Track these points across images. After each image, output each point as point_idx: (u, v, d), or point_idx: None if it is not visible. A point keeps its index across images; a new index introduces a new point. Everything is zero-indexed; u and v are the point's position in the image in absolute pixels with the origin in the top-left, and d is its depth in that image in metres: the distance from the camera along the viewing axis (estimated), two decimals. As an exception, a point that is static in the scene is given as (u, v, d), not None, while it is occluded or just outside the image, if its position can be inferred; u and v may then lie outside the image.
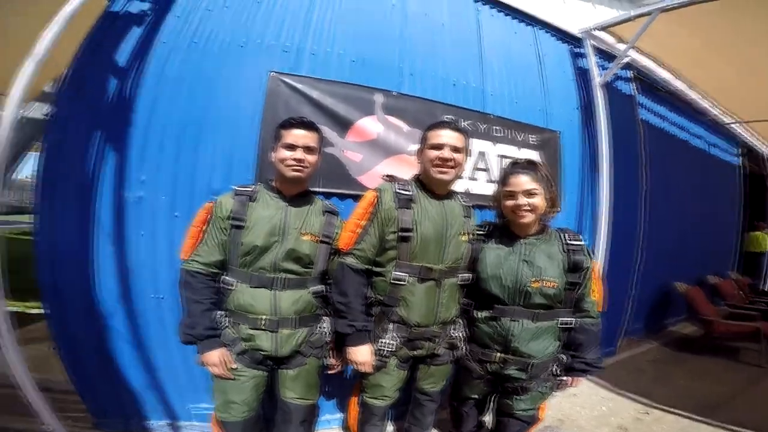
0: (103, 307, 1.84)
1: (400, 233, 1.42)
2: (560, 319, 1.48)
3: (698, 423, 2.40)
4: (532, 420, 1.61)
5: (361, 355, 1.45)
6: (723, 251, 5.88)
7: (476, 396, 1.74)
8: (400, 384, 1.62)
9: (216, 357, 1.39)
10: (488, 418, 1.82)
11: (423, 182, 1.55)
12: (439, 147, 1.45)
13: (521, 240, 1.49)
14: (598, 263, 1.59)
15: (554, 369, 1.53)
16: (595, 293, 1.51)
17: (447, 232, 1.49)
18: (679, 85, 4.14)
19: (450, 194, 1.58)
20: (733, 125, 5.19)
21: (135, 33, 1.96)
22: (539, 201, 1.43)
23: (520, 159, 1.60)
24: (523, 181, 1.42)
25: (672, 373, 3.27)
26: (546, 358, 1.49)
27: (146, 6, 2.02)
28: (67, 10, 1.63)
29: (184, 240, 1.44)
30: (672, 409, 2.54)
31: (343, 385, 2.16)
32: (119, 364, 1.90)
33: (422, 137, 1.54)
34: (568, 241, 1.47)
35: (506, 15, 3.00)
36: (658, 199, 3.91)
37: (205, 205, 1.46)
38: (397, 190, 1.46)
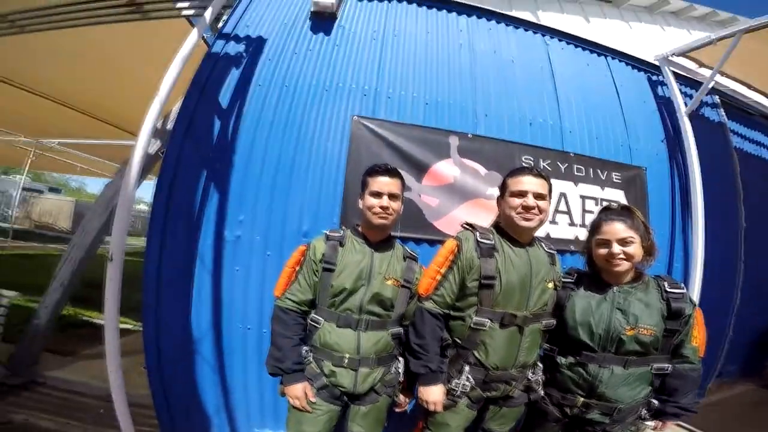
0: (194, 332, 2.00)
1: (482, 281, 1.42)
2: (655, 365, 1.40)
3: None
4: None
5: (433, 394, 1.44)
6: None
7: None
8: (466, 424, 1.57)
9: (299, 390, 1.45)
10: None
11: (504, 229, 1.53)
12: (521, 194, 1.43)
13: (614, 288, 1.43)
14: (700, 310, 1.47)
15: (642, 413, 1.44)
16: (697, 339, 1.44)
17: (532, 279, 1.46)
18: (774, 106, 3.72)
19: (533, 241, 1.55)
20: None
21: (234, 75, 2.19)
22: (635, 250, 1.36)
23: (614, 204, 1.54)
24: (618, 229, 1.37)
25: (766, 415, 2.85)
26: (635, 404, 1.40)
27: (242, 48, 2.26)
28: (182, 54, 1.87)
29: (278, 278, 1.55)
30: None
31: (402, 422, 2.12)
32: (198, 385, 2.03)
33: (502, 184, 1.53)
34: (668, 290, 1.40)
35: (576, 47, 2.95)
36: (759, 232, 3.46)
37: (299, 247, 1.57)
38: (479, 239, 1.46)
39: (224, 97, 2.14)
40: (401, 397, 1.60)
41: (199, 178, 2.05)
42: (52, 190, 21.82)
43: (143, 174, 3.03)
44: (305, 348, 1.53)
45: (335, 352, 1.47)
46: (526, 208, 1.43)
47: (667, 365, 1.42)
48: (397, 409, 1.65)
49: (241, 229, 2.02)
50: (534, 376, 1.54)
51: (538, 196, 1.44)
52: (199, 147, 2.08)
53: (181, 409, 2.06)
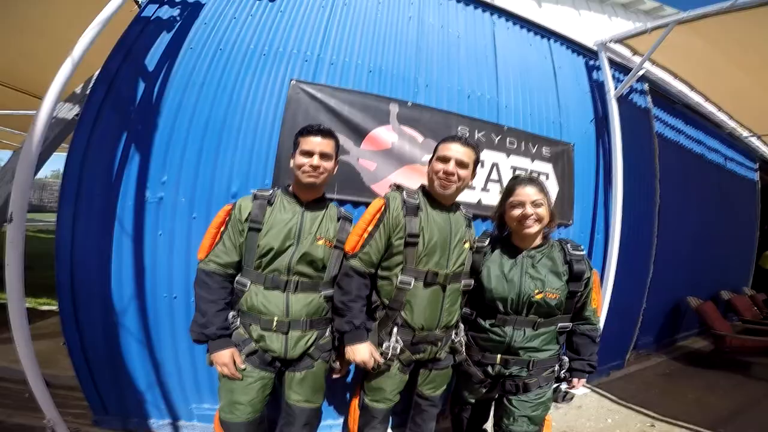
0: (116, 304, 1.88)
1: (407, 239, 1.46)
2: (559, 324, 1.54)
3: (706, 436, 2.36)
4: None
5: (359, 353, 1.47)
6: (739, 267, 5.77)
7: (475, 400, 1.74)
8: (400, 387, 1.64)
9: (227, 357, 1.41)
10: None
11: (429, 192, 1.59)
12: (445, 160, 1.49)
13: (523, 252, 1.53)
14: (597, 272, 1.62)
15: (556, 370, 1.57)
16: (595, 301, 1.58)
17: (451, 239, 1.53)
18: (695, 97, 4.10)
19: (454, 205, 1.63)
20: (750, 138, 5.10)
21: (165, 38, 2.04)
22: (545, 212, 1.47)
23: (522, 173, 1.66)
24: (530, 192, 1.47)
25: (681, 386, 3.23)
26: (547, 358, 1.54)
27: (176, 12, 2.10)
28: (103, 15, 1.71)
29: (202, 240, 1.48)
30: (679, 422, 2.51)
31: (345, 391, 2.17)
32: (126, 361, 1.93)
33: (434, 148, 1.59)
34: (571, 251, 1.52)
35: (521, 27, 3.03)
36: (674, 212, 3.85)
37: (224, 207, 1.51)
38: (405, 198, 1.51)
39: (151, 61, 1.98)
40: (338, 363, 1.60)
41: (118, 139, 1.89)
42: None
43: (59, 141, 2.75)
44: (232, 313, 1.48)
45: (263, 315, 1.44)
46: (447, 174, 1.49)
47: (568, 324, 1.56)
48: (334, 376, 1.66)
49: (164, 191, 1.91)
50: (457, 338, 1.63)
51: (460, 164, 1.50)
52: (120, 109, 1.91)
53: (110, 388, 1.95)
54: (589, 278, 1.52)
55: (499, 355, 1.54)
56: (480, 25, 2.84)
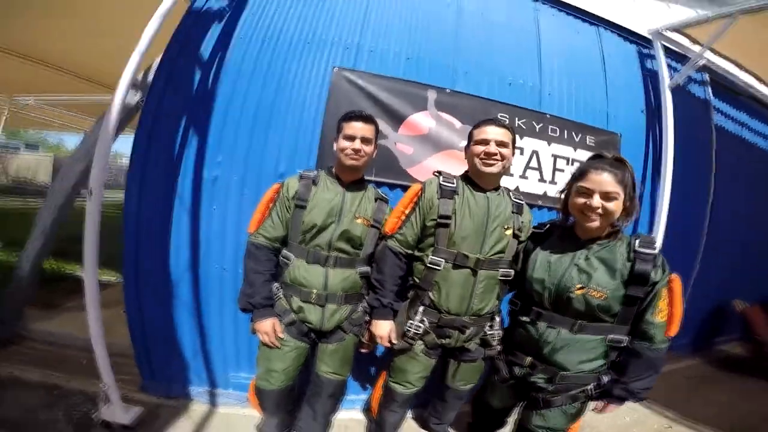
0: (172, 274, 2.06)
1: (439, 220, 1.49)
2: (610, 335, 1.30)
3: (721, 444, 2.23)
4: None
5: (381, 328, 1.55)
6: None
7: (498, 404, 1.68)
8: (425, 373, 1.65)
9: (268, 325, 1.54)
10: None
11: (470, 178, 1.60)
12: (484, 142, 1.50)
13: (583, 243, 1.34)
14: (678, 280, 1.31)
15: (590, 390, 1.36)
16: (663, 314, 1.28)
17: (488, 224, 1.51)
18: (762, 89, 3.74)
19: (498, 189, 1.61)
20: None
21: (216, 29, 2.19)
22: (615, 207, 1.23)
23: (607, 153, 1.34)
24: (606, 181, 1.22)
25: (708, 391, 3.03)
26: (581, 375, 1.34)
27: (224, 3, 2.24)
28: (162, 9, 1.84)
29: (252, 215, 1.61)
30: (698, 427, 2.40)
31: (370, 369, 2.25)
32: (176, 329, 2.10)
33: (469, 134, 1.60)
34: (637, 248, 1.25)
35: (567, 14, 2.91)
36: (728, 210, 3.57)
37: (273, 185, 1.63)
38: (442, 183, 1.55)
39: (205, 50, 2.14)
40: (366, 336, 1.67)
41: (178, 123, 2.06)
42: (29, 146, 21.50)
43: (123, 124, 3.00)
44: (276, 285, 1.62)
45: (303, 288, 1.55)
46: (488, 155, 1.50)
47: (622, 338, 1.30)
48: (362, 350, 1.74)
49: (219, 170, 2.06)
50: (491, 330, 1.59)
51: (501, 144, 1.50)
52: (179, 95, 2.08)
53: (160, 354, 2.14)
54: (656, 283, 1.25)
55: (528, 358, 1.42)
56: (522, 11, 2.76)
